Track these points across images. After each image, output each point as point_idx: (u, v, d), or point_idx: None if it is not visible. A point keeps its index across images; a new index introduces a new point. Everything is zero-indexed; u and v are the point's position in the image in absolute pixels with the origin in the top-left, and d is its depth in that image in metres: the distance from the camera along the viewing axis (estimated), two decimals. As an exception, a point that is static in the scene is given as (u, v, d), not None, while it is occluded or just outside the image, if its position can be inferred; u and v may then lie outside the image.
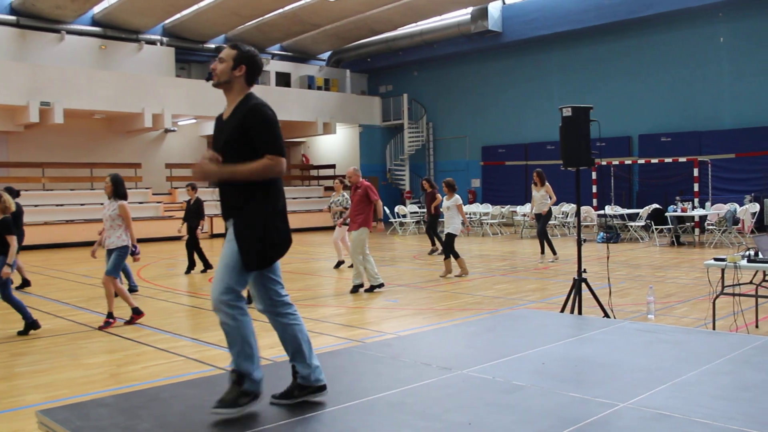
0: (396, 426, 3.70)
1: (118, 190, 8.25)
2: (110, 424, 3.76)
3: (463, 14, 25.45)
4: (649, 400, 3.88)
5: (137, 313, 8.32)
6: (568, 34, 23.81)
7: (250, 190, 3.88)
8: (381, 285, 10.40)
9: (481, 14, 24.70)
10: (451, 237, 11.78)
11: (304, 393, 4.05)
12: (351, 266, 11.57)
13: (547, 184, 13.99)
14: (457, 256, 11.81)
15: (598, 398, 3.94)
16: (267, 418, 3.80)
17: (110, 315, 8.18)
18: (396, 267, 13.98)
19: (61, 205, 21.36)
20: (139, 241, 9.74)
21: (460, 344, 5.78)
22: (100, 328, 8.03)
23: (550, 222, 20.02)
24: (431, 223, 16.07)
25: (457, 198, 11.85)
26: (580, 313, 7.01)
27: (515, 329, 6.21)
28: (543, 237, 14.11)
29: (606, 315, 7.07)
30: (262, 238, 3.87)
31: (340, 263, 13.49)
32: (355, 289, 10.35)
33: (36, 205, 20.90)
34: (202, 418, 3.82)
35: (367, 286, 10.46)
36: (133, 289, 10.57)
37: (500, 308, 8.87)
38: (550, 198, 13.99)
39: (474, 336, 6.10)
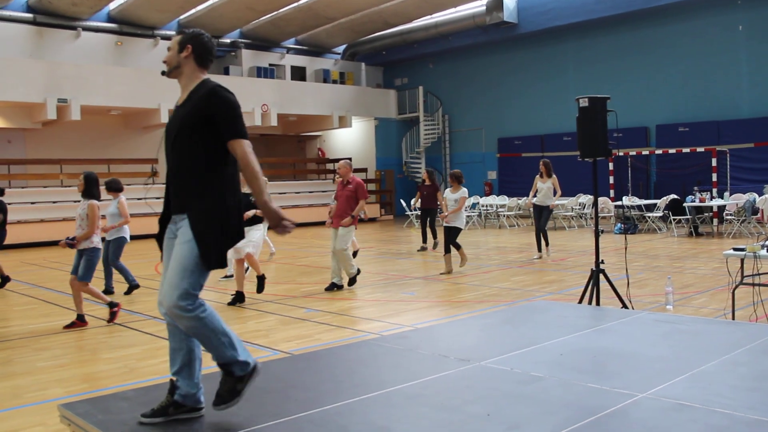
0: (414, 418, 3.70)
1: (90, 189, 8.19)
2: (131, 417, 3.79)
3: (478, 6, 25.35)
4: (668, 390, 3.86)
5: (81, 320, 8.01)
6: (584, 25, 23.64)
7: (208, 181, 3.69)
8: (341, 287, 10.21)
9: (497, 5, 24.56)
10: (456, 231, 11.61)
11: (179, 411, 3.74)
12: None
13: (554, 176, 13.40)
14: (447, 251, 11.51)
15: (616, 389, 3.92)
16: (286, 411, 3.81)
17: (111, 304, 8.18)
18: (412, 260, 13.99)
19: (79, 201, 21.47)
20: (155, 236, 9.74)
21: (478, 336, 5.78)
22: (110, 321, 8.08)
23: (554, 214, 19.92)
24: (425, 217, 15.45)
25: (464, 191, 11.52)
26: (598, 304, 6.98)
27: (533, 321, 6.19)
28: (543, 232, 13.41)
29: (624, 306, 7.04)
30: (222, 233, 3.67)
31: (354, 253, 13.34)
32: (332, 287, 10.18)
33: (54, 202, 21.10)
34: (221, 411, 3.84)
35: (345, 281, 10.33)
36: (109, 290, 10.20)
37: (518, 300, 8.85)
38: (556, 192, 13.32)
39: (492, 328, 6.10)
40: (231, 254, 9.56)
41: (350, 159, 11.99)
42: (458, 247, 11.64)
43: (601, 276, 7.04)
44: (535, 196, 13.58)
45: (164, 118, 22.56)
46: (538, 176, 13.62)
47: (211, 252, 3.63)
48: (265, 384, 4.33)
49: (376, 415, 3.77)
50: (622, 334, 5.37)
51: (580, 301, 7.26)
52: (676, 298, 8.18)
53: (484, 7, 25.01)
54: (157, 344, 7.06)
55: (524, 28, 24.94)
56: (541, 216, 13.43)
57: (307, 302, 9.30)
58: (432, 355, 4.94)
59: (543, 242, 13.38)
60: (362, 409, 3.86)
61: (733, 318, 6.77)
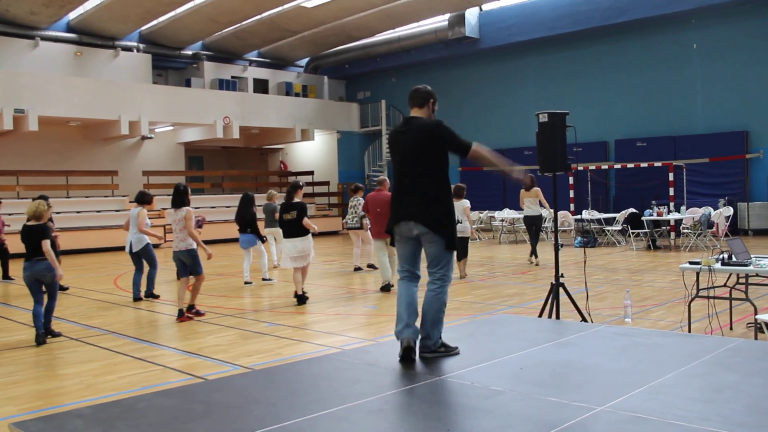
0: (375, 433, 3.69)
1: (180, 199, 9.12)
2: (86, 435, 3.71)
3: (440, 21, 25.55)
4: (626, 403, 3.90)
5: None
6: (545, 41, 23.98)
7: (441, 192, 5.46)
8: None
9: (459, 21, 24.81)
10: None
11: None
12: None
13: (534, 189, 14.03)
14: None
15: (575, 402, 3.96)
16: (245, 426, 3.77)
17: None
18: (374, 273, 13.96)
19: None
20: (117, 249, 9.65)
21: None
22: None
23: (515, 227, 20.40)
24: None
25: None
26: (557, 317, 7.05)
27: (493, 334, 6.22)
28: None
29: (583, 319, 7.12)
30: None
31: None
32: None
33: (10, 214, 20.62)
34: (179, 427, 3.79)
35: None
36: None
37: (478, 314, 8.89)
38: (542, 203, 14.32)
39: (452, 341, 6.10)
40: (291, 263, 10.01)
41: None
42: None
43: (561, 289, 7.12)
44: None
45: (124, 130, 22.32)
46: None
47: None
48: (224, 399, 4.28)
49: (337, 430, 3.75)
50: (582, 348, 5.42)
51: (540, 315, 7.33)
52: (634, 311, 8.29)
53: (446, 22, 25.23)
54: (115, 359, 6.94)
55: (485, 43, 25.21)
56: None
57: (269, 316, 9.23)
58: (393, 370, 4.94)
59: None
60: (323, 424, 3.84)
61: (689, 330, 6.89)
